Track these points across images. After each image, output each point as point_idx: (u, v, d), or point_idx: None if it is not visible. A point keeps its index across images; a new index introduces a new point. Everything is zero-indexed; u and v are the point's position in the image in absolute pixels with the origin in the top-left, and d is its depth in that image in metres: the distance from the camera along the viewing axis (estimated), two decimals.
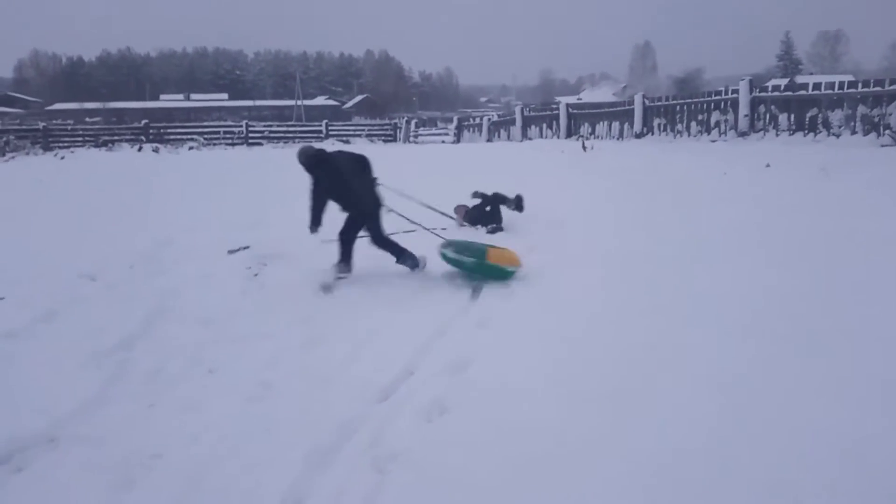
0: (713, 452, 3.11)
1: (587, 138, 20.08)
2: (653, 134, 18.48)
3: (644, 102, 18.94)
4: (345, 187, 6.74)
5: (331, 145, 27.24)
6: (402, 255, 6.86)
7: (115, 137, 27.59)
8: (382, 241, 6.93)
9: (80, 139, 27.85)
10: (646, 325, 4.79)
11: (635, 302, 5.33)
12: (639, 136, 18.79)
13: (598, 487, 2.93)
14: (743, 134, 15.20)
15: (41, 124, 29.98)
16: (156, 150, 24.26)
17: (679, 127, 17.55)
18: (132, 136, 27.77)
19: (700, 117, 16.87)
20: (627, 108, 19.90)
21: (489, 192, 9.17)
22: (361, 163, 6.95)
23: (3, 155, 24.09)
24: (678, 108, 17.78)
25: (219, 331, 5.43)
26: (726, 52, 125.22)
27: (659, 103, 18.73)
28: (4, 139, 26.17)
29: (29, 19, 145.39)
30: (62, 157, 22.35)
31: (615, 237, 7.56)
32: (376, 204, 6.90)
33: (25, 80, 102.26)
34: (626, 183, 11.33)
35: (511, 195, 9.17)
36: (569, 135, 21.97)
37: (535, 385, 3.95)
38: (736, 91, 15.56)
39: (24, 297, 5.98)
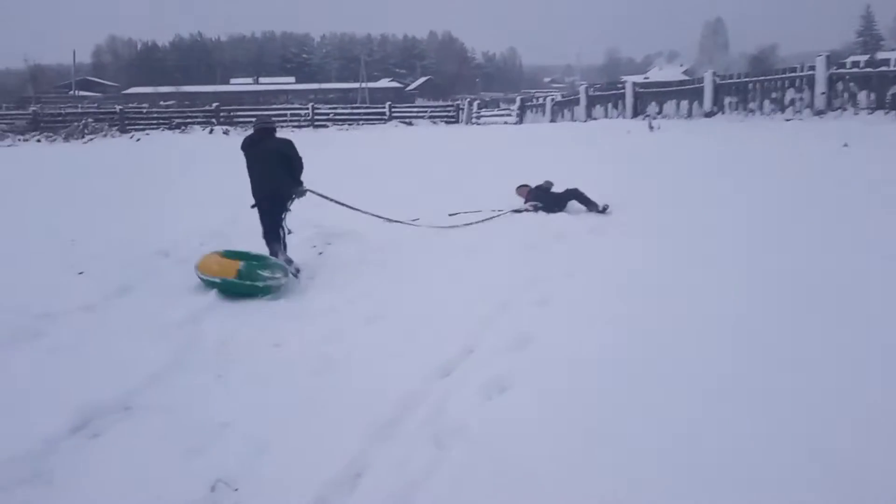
0: (802, 436, 3.00)
1: (654, 117, 19.58)
2: (723, 113, 17.86)
3: (715, 80, 18.32)
4: (253, 173, 6.51)
5: (393, 127, 27.47)
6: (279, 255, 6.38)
7: (188, 120, 28.43)
8: (270, 237, 6.50)
9: (154, 122, 28.82)
10: (712, 305, 4.67)
11: (701, 281, 5.19)
12: (708, 114, 18.20)
13: (660, 468, 2.88)
14: (819, 112, 14.55)
15: (118, 108, 31.17)
16: (226, 133, 24.91)
17: (751, 105, 16.91)
18: (204, 119, 28.56)
19: (774, 95, 16.22)
20: (697, 85, 19.30)
21: (569, 186, 8.65)
22: (279, 155, 6.52)
23: (83, 137, 25.19)
24: (751, 85, 17.13)
25: (283, 305, 5.56)
26: (802, 28, 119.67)
27: (730, 81, 18.09)
28: (84, 122, 27.33)
29: (106, 5, 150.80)
30: (138, 140, 23.19)
31: (679, 218, 7.38)
32: (273, 200, 6.50)
33: (103, 65, 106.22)
34: (694, 162, 11.02)
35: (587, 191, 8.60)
36: (635, 114, 21.47)
37: (597, 364, 3.90)
38: (812, 68, 14.89)
39: (102, 272, 6.26)
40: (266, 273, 5.81)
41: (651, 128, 16.96)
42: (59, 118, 29.02)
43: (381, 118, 30.38)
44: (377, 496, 2.80)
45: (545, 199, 8.75)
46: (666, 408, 3.35)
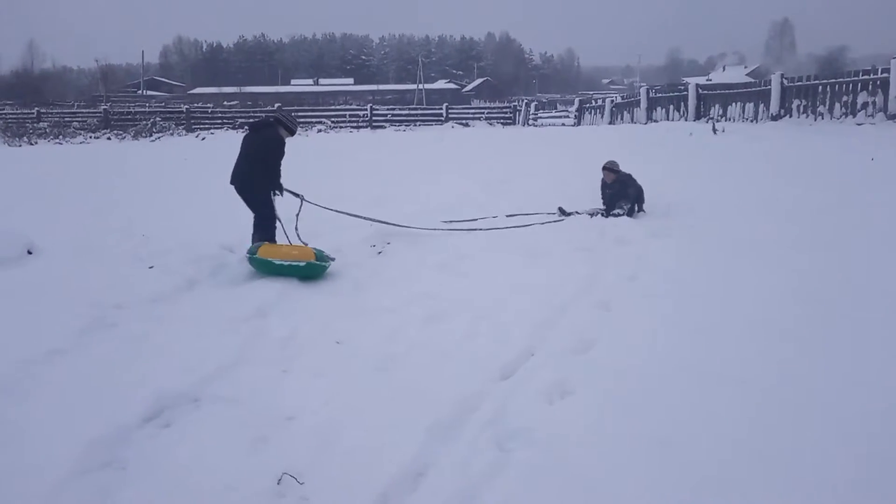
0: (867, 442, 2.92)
1: (718, 120, 19.12)
2: (791, 116, 17.29)
3: (783, 82, 17.77)
4: (239, 161, 6.89)
5: (450, 128, 27.56)
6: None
7: (251, 120, 29.02)
8: (258, 219, 6.88)
9: (218, 121, 29.65)
10: (774, 313, 4.56)
11: (767, 289, 5.06)
12: (775, 117, 17.66)
13: (725, 475, 2.83)
14: (893, 117, 13.96)
15: (184, 107, 32.17)
16: None
17: (820, 108, 16.31)
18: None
19: (844, 98, 15.62)
20: (763, 88, 18.74)
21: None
22: (262, 141, 6.86)
23: (151, 135, 26.09)
24: (820, 88, 16.54)
25: (344, 303, 5.64)
26: (874, 28, 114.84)
27: (798, 83, 17.50)
28: (152, 121, 28.32)
29: (174, 7, 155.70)
30: (203, 139, 23.91)
31: (744, 223, 7.20)
32: (243, 185, 6.82)
33: (170, 65, 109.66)
34: (761, 166, 10.72)
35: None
36: (697, 117, 21.01)
37: (660, 370, 3.85)
38: (887, 70, 14.29)
39: (171, 266, 6.46)
40: (326, 254, 6.41)
41: (715, 130, 16.56)
42: (129, 117, 30.14)
43: (438, 119, 30.57)
44: (441, 496, 2.82)
45: (616, 191, 8.38)
46: (730, 416, 3.30)
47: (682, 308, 4.86)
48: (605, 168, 8.65)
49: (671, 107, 23.11)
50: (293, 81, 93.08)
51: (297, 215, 7.06)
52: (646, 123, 23.01)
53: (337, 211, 7.73)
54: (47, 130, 26.97)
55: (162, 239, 7.03)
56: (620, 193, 8.34)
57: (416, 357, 4.39)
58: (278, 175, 6.98)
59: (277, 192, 6.97)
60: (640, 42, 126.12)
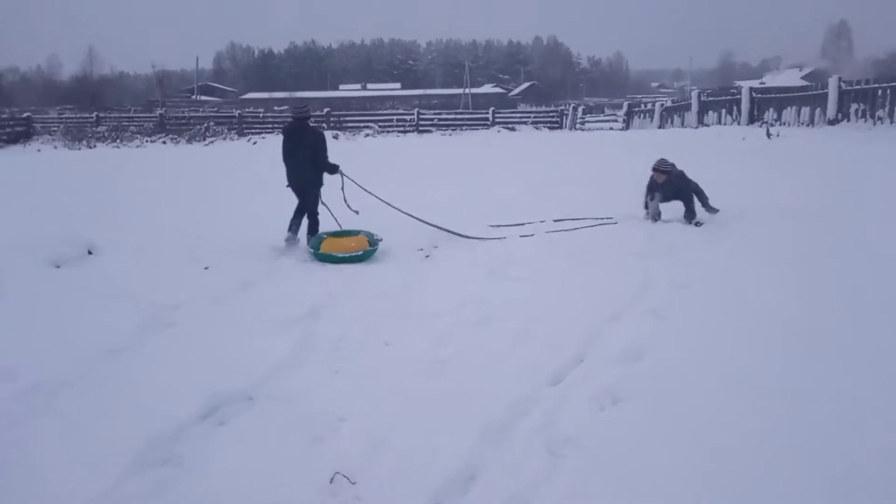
0: None
1: (772, 124, 18.66)
2: (848, 120, 16.76)
3: (840, 86, 17.25)
4: (288, 164, 7.57)
5: (496, 132, 27.50)
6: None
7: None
8: (298, 213, 7.66)
9: (269, 126, 30.13)
10: (828, 325, 4.43)
11: (823, 301, 4.92)
12: (832, 122, 17.16)
13: (776, 486, 2.77)
14: None
15: (236, 112, 32.82)
16: (335, 137, 25.73)
17: (880, 113, 15.79)
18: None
19: None
20: (820, 91, 18.23)
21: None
22: (312, 141, 7.51)
23: (204, 139, 26.71)
24: (879, 91, 16.00)
25: (393, 306, 5.67)
26: None
27: (856, 87, 16.97)
28: (205, 125, 28.98)
29: (228, 14, 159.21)
30: (254, 143, 24.32)
31: (799, 231, 7.00)
32: (307, 183, 7.57)
33: (223, 71, 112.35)
34: (817, 172, 10.42)
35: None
36: (751, 121, 20.55)
37: (712, 379, 3.79)
38: None
39: (225, 267, 6.62)
40: (375, 236, 7.31)
41: (769, 135, 16.18)
42: (183, 121, 30.89)
43: (485, 123, 30.52)
44: (493, 499, 2.82)
45: (667, 190, 8.09)
46: (783, 428, 3.23)
47: (735, 317, 4.76)
48: (655, 169, 8.11)
49: (723, 110, 22.64)
50: (341, 86, 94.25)
51: (342, 188, 7.87)
52: (696, 127, 22.60)
53: (397, 209, 7.91)
54: (106, 134, 27.83)
55: (216, 240, 7.20)
56: (682, 193, 7.93)
57: (466, 361, 4.39)
58: (327, 168, 7.68)
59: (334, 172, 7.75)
60: (691, 45, 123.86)
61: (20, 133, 28.66)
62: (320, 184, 7.63)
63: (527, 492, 2.85)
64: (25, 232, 7.48)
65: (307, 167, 7.49)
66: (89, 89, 57.16)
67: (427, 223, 7.98)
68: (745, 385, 3.69)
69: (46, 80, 73.51)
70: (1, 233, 7.83)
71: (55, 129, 29.50)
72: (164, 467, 3.24)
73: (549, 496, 2.80)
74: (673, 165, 8.14)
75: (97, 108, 38.40)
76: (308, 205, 7.63)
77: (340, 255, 6.92)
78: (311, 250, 7.14)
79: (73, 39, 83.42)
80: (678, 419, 3.37)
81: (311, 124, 7.79)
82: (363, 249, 7.03)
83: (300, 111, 7.89)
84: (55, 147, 25.27)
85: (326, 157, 7.59)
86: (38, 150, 24.41)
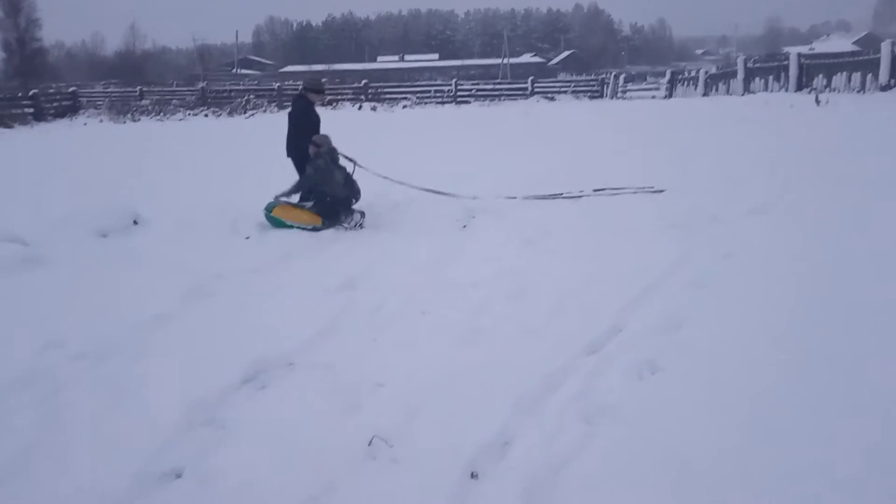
0: None
1: (821, 91, 18.07)
2: None
3: (893, 50, 16.58)
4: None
5: (535, 102, 27.16)
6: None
7: (338, 97, 29.59)
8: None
9: (315, 104, 30.16)
10: (880, 295, 4.30)
11: (873, 272, 4.78)
12: (884, 88, 16.56)
13: (816, 461, 2.72)
14: None
15: (276, 85, 32.98)
16: (374, 109, 25.75)
17: None
18: (353, 96, 29.62)
19: None
20: (872, 57, 17.57)
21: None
22: (292, 118, 7.86)
23: (245, 112, 26.98)
24: None
25: (429, 276, 5.69)
26: None
27: None
28: (246, 98, 29.25)
29: None
30: None
31: (848, 201, 6.77)
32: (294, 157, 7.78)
33: (262, 45, 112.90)
34: (868, 139, 10.08)
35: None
36: (799, 88, 19.93)
37: (755, 350, 3.72)
38: None
39: (266, 239, 6.74)
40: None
41: (818, 102, 15.68)
42: (224, 94, 31.22)
43: (523, 93, 30.14)
44: (528, 465, 2.84)
45: None
46: (826, 403, 3.14)
47: (779, 288, 4.65)
48: None
49: (770, 77, 22.01)
50: (379, 58, 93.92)
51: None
52: (742, 95, 22.03)
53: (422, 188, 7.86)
54: (149, 108, 28.30)
55: (257, 212, 7.29)
56: None
57: (502, 331, 4.40)
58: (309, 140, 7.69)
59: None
60: (736, 10, 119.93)
61: (67, 107, 29.30)
62: (299, 156, 7.73)
63: (562, 459, 2.86)
64: (73, 203, 7.70)
65: (289, 133, 7.88)
66: (133, 64, 58.04)
67: (417, 187, 8.25)
68: (788, 357, 3.61)
69: (91, 56, 74.82)
70: (50, 204, 8.08)
71: (100, 103, 30.08)
72: (208, 429, 3.33)
73: (585, 464, 2.81)
74: None
75: (140, 82, 39.00)
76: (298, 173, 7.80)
77: (288, 223, 7.08)
78: (265, 211, 7.23)
79: (116, 15, 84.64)
80: (717, 392, 3.32)
81: (304, 99, 8.07)
82: (313, 224, 7.10)
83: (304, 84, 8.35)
84: (101, 121, 25.80)
85: (303, 131, 7.72)
86: (85, 124, 24.98)
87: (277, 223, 7.10)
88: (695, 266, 5.35)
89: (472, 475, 2.85)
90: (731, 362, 3.62)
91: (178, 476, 2.96)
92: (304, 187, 7.40)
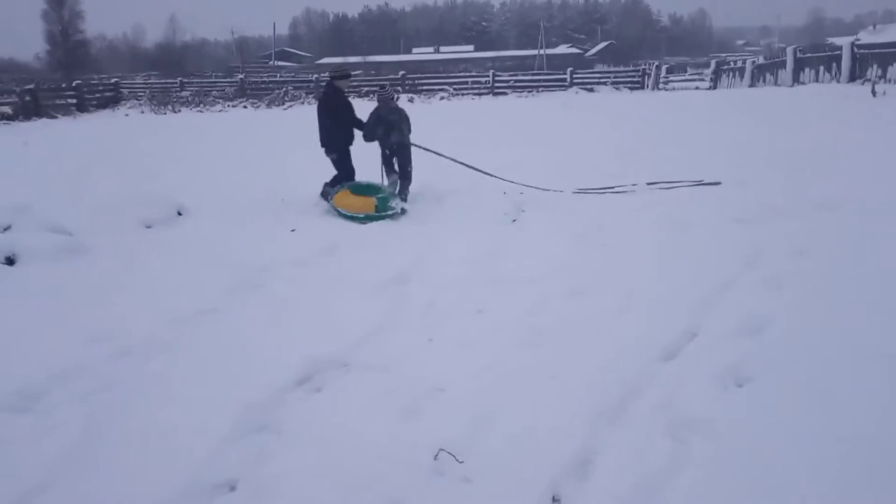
0: None
1: (877, 82, 17.32)
2: None
3: None
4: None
5: (574, 94, 26.68)
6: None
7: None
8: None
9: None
10: None
11: None
12: None
13: None
14: None
15: (313, 76, 32.95)
16: (411, 101, 25.51)
17: None
18: (329, 87, 29.32)
19: None
20: None
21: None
22: (332, 103, 7.65)
23: (283, 104, 26.99)
24: None
25: (481, 272, 5.43)
26: None
27: None
28: (284, 90, 29.26)
29: None
30: None
31: None
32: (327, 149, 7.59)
33: (299, 37, 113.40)
34: None
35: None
36: (852, 79, 19.14)
37: (847, 356, 3.41)
38: None
39: (311, 231, 6.55)
40: (392, 203, 7.09)
41: (874, 93, 15.02)
42: (262, 86, 31.27)
43: (562, 84, 29.62)
44: (616, 489, 2.56)
45: None
46: None
47: (860, 286, 4.32)
48: None
49: (821, 68, 21.19)
50: (414, 50, 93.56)
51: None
52: (792, 86, 21.28)
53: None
54: (189, 99, 28.46)
55: (301, 203, 7.13)
56: None
57: (564, 332, 4.13)
58: (348, 129, 7.62)
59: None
60: (778, 0, 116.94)
61: (109, 98, 29.64)
62: (334, 147, 7.57)
63: (653, 481, 2.58)
64: (118, 193, 7.61)
65: (322, 120, 7.62)
66: (172, 56, 58.70)
67: (472, 167, 8.12)
68: (883, 363, 3.30)
69: (132, 47, 75.98)
70: (95, 194, 8.01)
71: (141, 94, 30.38)
72: (262, 434, 3.13)
73: (679, 487, 2.53)
74: None
75: (180, 74, 39.35)
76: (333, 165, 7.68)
77: (343, 212, 6.99)
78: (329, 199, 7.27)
79: (156, 8, 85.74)
80: (813, 403, 3.02)
81: (331, 87, 7.94)
82: (365, 213, 6.96)
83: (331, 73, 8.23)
84: (142, 112, 26.03)
85: (343, 119, 7.61)
86: (126, 115, 25.21)
87: (340, 212, 7.04)
88: (767, 263, 5.01)
89: (554, 500, 2.59)
90: (822, 369, 3.31)
91: (233, 489, 2.75)
92: (364, 129, 7.61)
